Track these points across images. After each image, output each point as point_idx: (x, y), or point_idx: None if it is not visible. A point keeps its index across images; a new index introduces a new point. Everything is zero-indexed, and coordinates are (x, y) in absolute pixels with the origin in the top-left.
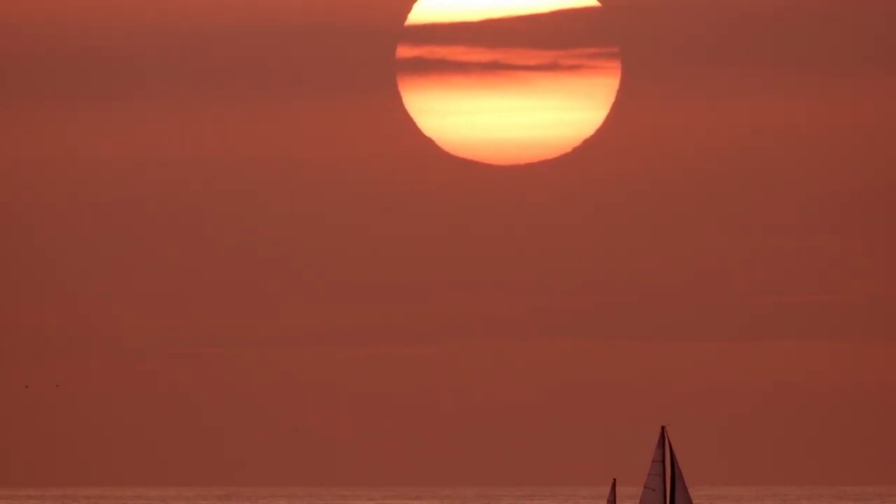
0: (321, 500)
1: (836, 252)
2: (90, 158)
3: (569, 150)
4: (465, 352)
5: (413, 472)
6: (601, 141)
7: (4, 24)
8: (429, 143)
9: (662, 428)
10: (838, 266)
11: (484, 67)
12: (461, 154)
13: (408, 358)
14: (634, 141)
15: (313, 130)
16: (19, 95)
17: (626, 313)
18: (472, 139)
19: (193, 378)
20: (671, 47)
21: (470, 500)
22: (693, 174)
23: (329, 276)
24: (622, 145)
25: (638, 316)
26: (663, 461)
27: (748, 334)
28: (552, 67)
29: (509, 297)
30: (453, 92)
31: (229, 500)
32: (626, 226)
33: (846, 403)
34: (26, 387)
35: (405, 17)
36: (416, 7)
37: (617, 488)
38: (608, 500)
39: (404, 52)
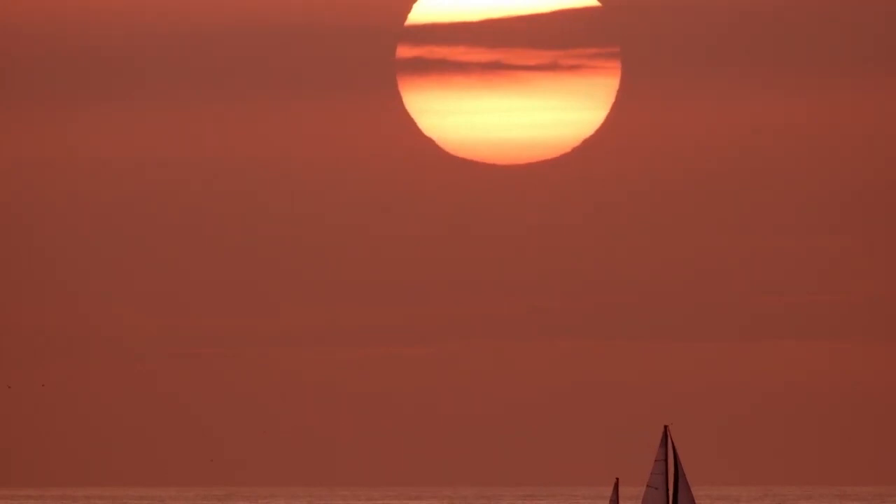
0: (321, 500)
1: (837, 252)
2: (90, 158)
3: (568, 150)
4: (465, 352)
5: (413, 472)
6: (601, 141)
7: (4, 24)
8: (429, 143)
9: (665, 427)
10: (839, 266)
11: (484, 67)
12: (461, 154)
13: (408, 358)
14: (634, 141)
15: (313, 130)
16: (19, 95)
17: (626, 313)
18: (472, 139)
19: (193, 378)
20: (671, 47)
21: (470, 500)
22: (693, 174)
23: (329, 276)
24: (622, 145)
25: (638, 316)
26: (666, 460)
27: (749, 334)
28: (552, 67)
29: (509, 297)
30: (453, 92)
31: (229, 500)
32: (626, 226)
33: (847, 403)
34: (9, 387)
35: (405, 17)
36: (416, 7)
37: (619, 488)
38: (611, 500)
39: (404, 52)
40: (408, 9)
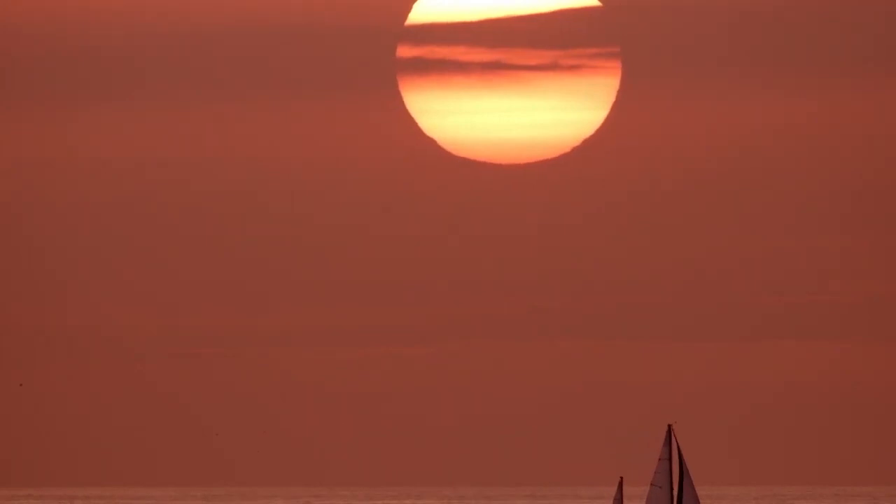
0: (321, 500)
1: (837, 252)
2: (90, 158)
3: (568, 150)
4: (465, 352)
5: (413, 472)
6: (601, 141)
7: (4, 24)
8: (430, 142)
9: (669, 426)
10: (839, 266)
11: (484, 67)
12: (462, 154)
13: (408, 358)
14: (634, 141)
15: (313, 130)
16: (19, 95)
17: (625, 313)
18: (471, 139)
19: (193, 378)
20: (672, 47)
21: (470, 500)
22: (693, 174)
23: (329, 276)
24: (622, 145)
25: (638, 316)
26: (670, 459)
27: (749, 334)
28: (552, 67)
29: (509, 298)
30: (453, 92)
31: (229, 500)
32: (626, 226)
33: (847, 403)
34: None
35: (405, 17)
36: (416, 7)
37: (624, 487)
38: (615, 499)
39: (404, 51)
40: (408, 9)
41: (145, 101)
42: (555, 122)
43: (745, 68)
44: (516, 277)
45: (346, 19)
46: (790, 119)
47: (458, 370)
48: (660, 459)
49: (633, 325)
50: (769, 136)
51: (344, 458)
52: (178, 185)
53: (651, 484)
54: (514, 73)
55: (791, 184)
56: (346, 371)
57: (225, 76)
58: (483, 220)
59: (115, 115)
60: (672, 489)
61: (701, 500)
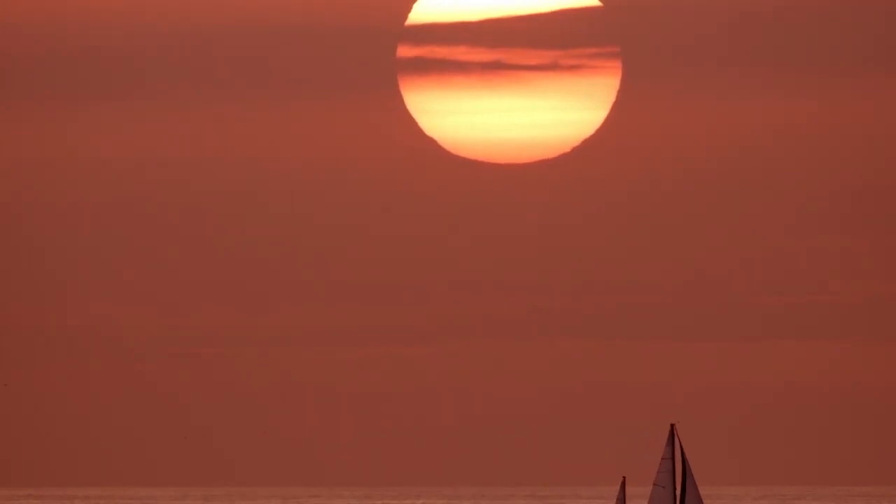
0: (321, 500)
1: (837, 252)
2: (90, 158)
3: (568, 150)
4: (465, 352)
5: (413, 472)
6: (601, 141)
7: (4, 24)
8: (430, 142)
9: (672, 426)
10: (839, 266)
11: (484, 67)
12: (462, 154)
13: (408, 358)
14: (634, 141)
15: (314, 130)
16: (19, 95)
17: (625, 313)
18: (472, 139)
19: (193, 378)
20: (672, 47)
21: (471, 500)
22: (693, 174)
23: (329, 276)
24: (622, 145)
25: (638, 316)
26: (672, 459)
27: (749, 334)
28: (552, 67)
29: (509, 298)
30: (453, 92)
31: (229, 500)
32: (626, 226)
33: (847, 404)
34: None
35: (405, 17)
36: (416, 7)
37: (626, 487)
38: (618, 499)
39: (405, 51)
40: (408, 9)
41: (145, 101)
42: (555, 122)
43: (745, 68)
44: (516, 277)
45: (346, 19)
46: (790, 119)
47: (458, 370)
48: (663, 459)
49: (633, 325)
50: (769, 137)
51: (344, 458)
52: (178, 185)
53: (654, 484)
54: (514, 73)
55: (791, 184)
56: (346, 371)
57: (225, 76)
58: (483, 220)
59: (115, 115)
60: (675, 489)
61: (705, 500)
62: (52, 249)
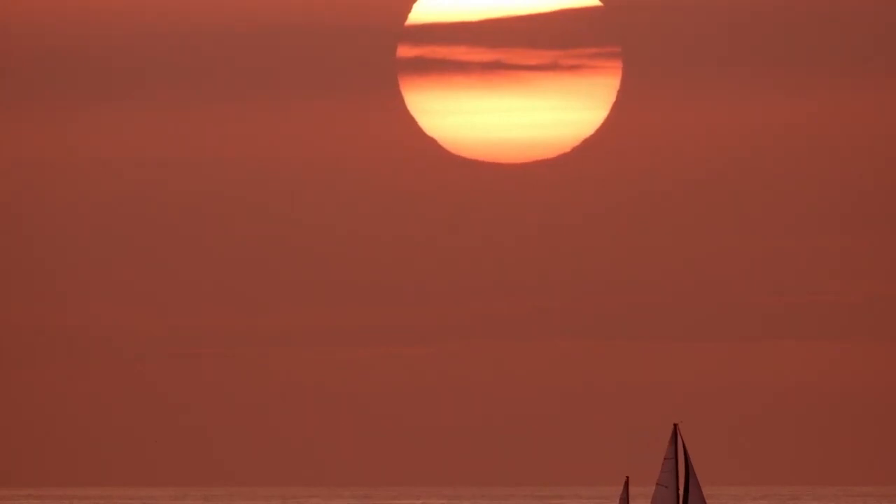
0: (321, 500)
1: (838, 252)
2: (90, 158)
3: (568, 150)
4: (465, 352)
5: (413, 472)
6: (601, 141)
7: (4, 24)
8: (431, 142)
9: (675, 425)
10: (839, 266)
11: (484, 67)
12: (462, 154)
13: (408, 358)
14: (635, 141)
15: (313, 130)
16: (19, 95)
17: (625, 313)
18: (472, 139)
19: (193, 378)
20: (673, 47)
21: (469, 499)
22: (693, 174)
23: (329, 276)
24: (622, 145)
25: (638, 316)
26: (676, 458)
27: (749, 335)
28: (552, 67)
29: (509, 298)
30: (454, 92)
31: (229, 500)
32: (626, 226)
33: (847, 404)
34: None
35: (405, 17)
36: (416, 7)
37: (630, 486)
38: (621, 499)
39: (405, 51)
40: (408, 9)
41: (145, 101)
42: (555, 122)
43: (746, 68)
44: (516, 277)
45: (346, 19)
46: (790, 119)
47: (458, 370)
48: (666, 459)
49: (633, 325)
50: (769, 137)
51: (344, 458)
52: (178, 185)
53: (657, 483)
54: (514, 73)
55: (791, 184)
56: (346, 371)
57: (225, 76)
58: (483, 220)
59: (115, 115)
60: (678, 489)
61: (708, 500)
62: (52, 249)
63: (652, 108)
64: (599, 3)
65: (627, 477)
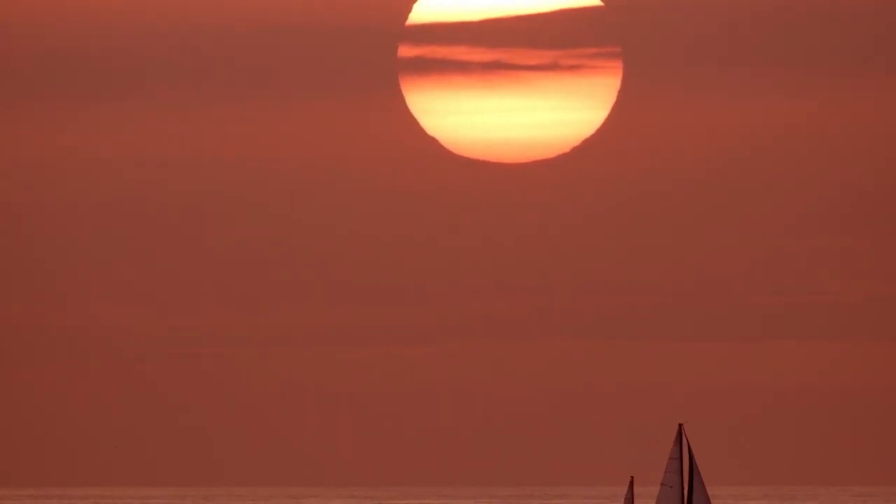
0: (321, 500)
1: (838, 252)
2: (90, 158)
3: (568, 150)
4: (465, 352)
5: (413, 472)
6: (601, 141)
7: (4, 24)
8: (432, 142)
9: (679, 425)
10: (839, 266)
11: (485, 67)
12: (463, 153)
13: (408, 358)
14: (634, 141)
15: (313, 130)
16: (19, 95)
17: (626, 313)
18: (472, 139)
19: (193, 378)
20: (673, 47)
21: (469, 500)
22: (693, 174)
23: (329, 275)
24: (622, 145)
25: (638, 316)
26: (680, 458)
27: (749, 335)
28: (552, 67)
29: (509, 297)
30: (454, 92)
31: (229, 500)
32: (626, 226)
33: (847, 404)
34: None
35: (406, 17)
36: (416, 7)
37: (634, 486)
38: (626, 498)
39: (405, 51)
40: (408, 9)
41: (145, 101)
42: (555, 122)
43: (746, 68)
44: (516, 277)
45: (346, 19)
46: (790, 119)
47: (458, 370)
48: (670, 459)
49: (633, 325)
50: (769, 137)
51: (344, 458)
52: (178, 185)
53: (662, 483)
54: (514, 73)
55: (791, 184)
56: (346, 371)
57: (225, 76)
58: (483, 220)
59: (115, 115)
60: (683, 489)
61: (712, 500)
62: (52, 249)
63: (652, 108)
64: (599, 3)
65: (632, 477)
